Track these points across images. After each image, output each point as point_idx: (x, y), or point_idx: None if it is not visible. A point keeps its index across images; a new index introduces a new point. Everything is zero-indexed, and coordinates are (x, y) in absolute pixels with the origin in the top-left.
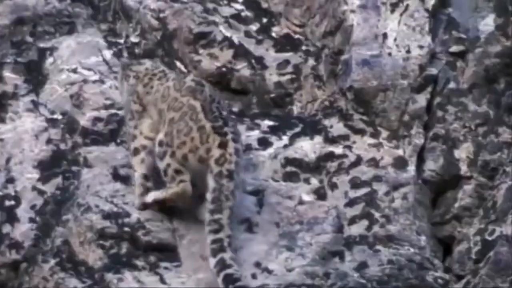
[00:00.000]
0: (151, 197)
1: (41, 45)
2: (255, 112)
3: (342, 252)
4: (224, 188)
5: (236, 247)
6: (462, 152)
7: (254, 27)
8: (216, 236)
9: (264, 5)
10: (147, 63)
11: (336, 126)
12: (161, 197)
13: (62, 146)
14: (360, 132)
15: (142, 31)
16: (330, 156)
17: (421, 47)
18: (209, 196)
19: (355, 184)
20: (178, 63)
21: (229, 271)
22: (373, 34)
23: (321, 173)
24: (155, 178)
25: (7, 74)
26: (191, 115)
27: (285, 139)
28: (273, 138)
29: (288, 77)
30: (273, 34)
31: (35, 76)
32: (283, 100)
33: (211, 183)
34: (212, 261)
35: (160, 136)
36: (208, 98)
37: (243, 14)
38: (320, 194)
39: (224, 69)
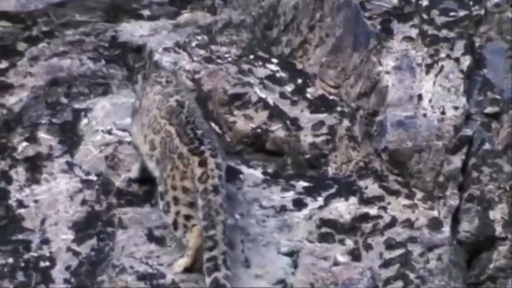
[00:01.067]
0: (180, 267)
1: (76, 106)
2: (290, 173)
3: None
4: (212, 203)
5: None
6: (497, 213)
7: (289, 88)
8: (210, 254)
9: (299, 66)
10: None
11: (371, 187)
12: (189, 261)
13: (97, 207)
14: (395, 193)
15: None
16: (365, 217)
17: (456, 108)
18: (200, 214)
19: (390, 245)
20: (212, 124)
21: None
22: (408, 95)
23: (356, 234)
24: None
25: (42, 135)
26: (169, 145)
27: (320, 200)
28: (308, 199)
29: (323, 138)
30: (308, 95)
31: (70, 137)
32: (318, 161)
33: (199, 202)
34: (207, 281)
35: (159, 188)
36: (184, 121)
37: (278, 75)
38: (355, 255)
39: (259, 130)
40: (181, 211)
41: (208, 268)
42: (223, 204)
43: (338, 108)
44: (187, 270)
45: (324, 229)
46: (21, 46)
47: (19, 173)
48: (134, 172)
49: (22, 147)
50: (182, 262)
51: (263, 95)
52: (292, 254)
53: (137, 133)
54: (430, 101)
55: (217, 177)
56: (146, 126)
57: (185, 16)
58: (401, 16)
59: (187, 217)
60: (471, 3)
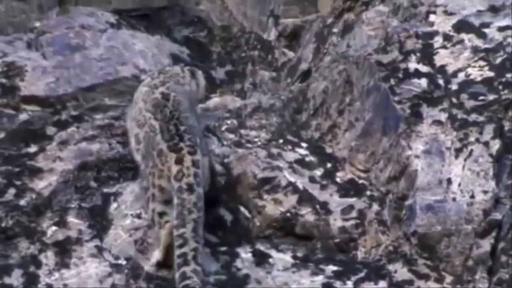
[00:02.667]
0: (154, 259)
1: (105, 190)
2: (319, 257)
3: None
4: (186, 202)
5: None
6: None
7: (318, 172)
8: (180, 250)
9: (328, 150)
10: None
11: (400, 271)
12: (160, 255)
13: None
14: (424, 277)
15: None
16: None
17: (485, 192)
18: (174, 212)
19: None
20: (242, 208)
21: (187, 282)
22: (437, 180)
23: None
24: None
25: (71, 219)
26: (152, 141)
27: (350, 284)
28: (337, 283)
29: (352, 222)
30: (338, 179)
31: (99, 221)
32: (347, 245)
33: (174, 200)
34: (176, 275)
35: (144, 183)
36: (168, 116)
37: (307, 159)
38: None
39: (288, 214)
40: (156, 208)
41: (178, 263)
42: (198, 202)
43: (368, 192)
44: (161, 264)
45: None
46: (50, 130)
47: (49, 257)
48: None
49: (52, 231)
50: (155, 255)
51: (292, 179)
52: None
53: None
54: (459, 185)
55: (192, 176)
56: (133, 119)
57: (215, 100)
58: (430, 100)
59: (161, 214)
60: (500, 87)
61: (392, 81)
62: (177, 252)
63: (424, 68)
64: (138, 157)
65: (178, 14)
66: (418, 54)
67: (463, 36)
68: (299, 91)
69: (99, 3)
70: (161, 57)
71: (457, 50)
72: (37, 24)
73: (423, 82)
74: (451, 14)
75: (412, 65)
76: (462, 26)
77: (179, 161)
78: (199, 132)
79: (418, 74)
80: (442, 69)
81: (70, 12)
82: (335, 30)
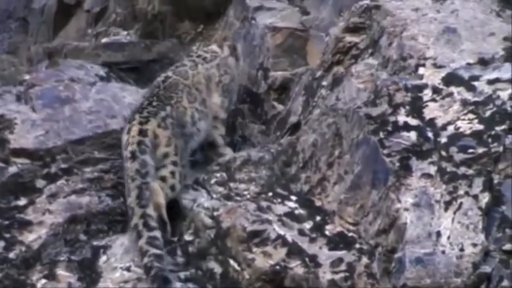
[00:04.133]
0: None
1: (95, 243)
2: None
3: None
4: (129, 171)
5: None
6: None
7: (307, 225)
8: (132, 222)
9: (318, 203)
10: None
11: None
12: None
13: None
14: None
15: (195, 230)
16: None
17: (474, 245)
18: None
19: None
20: (231, 261)
21: (145, 260)
22: (426, 232)
23: None
24: None
25: (60, 272)
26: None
27: None
28: None
29: (341, 275)
30: (327, 232)
31: (89, 274)
32: None
33: None
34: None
35: None
36: (151, 94)
37: (296, 212)
38: None
39: (278, 267)
40: None
41: (132, 235)
42: (141, 169)
43: (357, 245)
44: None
45: None
46: (39, 183)
47: None
48: None
49: (41, 284)
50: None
51: (281, 232)
52: None
53: None
54: (448, 238)
55: (135, 144)
56: None
57: (204, 153)
58: (419, 153)
59: None
60: (489, 140)
61: (382, 134)
62: (129, 223)
63: (413, 121)
64: None
65: (167, 67)
66: (407, 107)
67: (453, 89)
68: (289, 144)
69: (88, 56)
70: None
71: (447, 103)
72: (27, 77)
73: (413, 135)
74: (440, 67)
75: (402, 118)
76: (452, 79)
77: (128, 131)
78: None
79: (407, 127)
80: (431, 122)
81: (59, 65)
82: (324, 83)
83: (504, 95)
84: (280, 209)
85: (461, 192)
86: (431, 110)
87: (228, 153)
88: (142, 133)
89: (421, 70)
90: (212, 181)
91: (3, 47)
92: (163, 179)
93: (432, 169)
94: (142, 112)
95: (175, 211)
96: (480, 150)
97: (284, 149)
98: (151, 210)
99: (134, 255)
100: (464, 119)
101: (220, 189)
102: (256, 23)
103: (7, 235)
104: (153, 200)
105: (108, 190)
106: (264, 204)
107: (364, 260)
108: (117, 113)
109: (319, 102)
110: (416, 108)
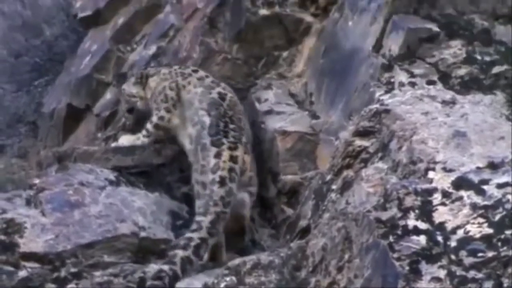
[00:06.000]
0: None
1: None
2: None
3: None
4: (213, 194)
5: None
6: None
7: None
8: (190, 234)
9: None
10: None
11: None
12: None
13: None
14: None
15: None
16: None
17: None
18: (197, 202)
19: None
20: None
21: (164, 267)
22: None
23: None
24: None
25: None
26: (199, 136)
27: None
28: None
29: None
30: None
31: None
32: None
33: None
34: (168, 252)
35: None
36: (221, 113)
37: None
38: None
39: None
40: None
41: (178, 243)
42: (226, 197)
43: None
44: None
45: None
46: (49, 287)
47: None
48: None
49: None
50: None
51: None
52: None
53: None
54: None
55: (226, 170)
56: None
57: None
58: (429, 257)
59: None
60: (499, 244)
61: (391, 238)
62: (187, 234)
63: (423, 225)
64: (191, 158)
65: (177, 171)
66: (417, 211)
67: (462, 193)
68: (298, 248)
69: (98, 160)
70: (160, 214)
71: (456, 207)
72: (36, 181)
73: (422, 239)
74: (450, 171)
75: (411, 222)
76: (461, 183)
77: (217, 155)
78: (249, 135)
79: (417, 231)
80: (441, 226)
81: (69, 169)
82: (334, 187)
83: None
84: None
85: None
86: (441, 214)
87: None
88: (232, 159)
89: (430, 174)
90: (222, 285)
91: (13, 151)
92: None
93: (442, 273)
94: (227, 136)
95: None
96: (490, 254)
97: (294, 253)
98: (213, 241)
99: None
100: (473, 223)
101: None
102: (265, 127)
103: None
104: (238, 211)
105: None
106: None
107: None
108: (126, 217)
109: (329, 206)
110: (426, 212)
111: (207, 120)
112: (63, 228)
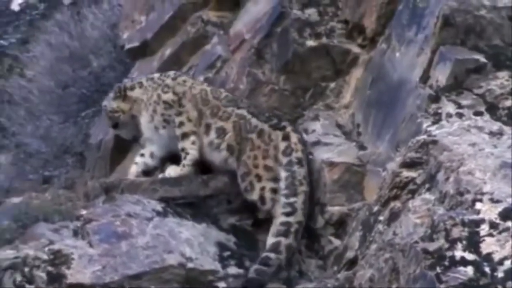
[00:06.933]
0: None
1: None
2: None
3: None
4: (296, 174)
5: None
6: None
7: None
8: (286, 218)
9: None
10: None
11: None
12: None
13: None
14: None
15: None
16: None
17: None
18: (282, 184)
19: None
20: None
21: (271, 255)
22: None
23: None
24: None
25: None
26: (244, 126)
27: None
28: None
29: None
30: None
31: None
32: None
33: (282, 174)
34: (270, 241)
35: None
36: (252, 105)
37: None
38: None
39: None
40: (266, 186)
41: (278, 230)
42: (307, 177)
43: None
44: None
45: None
46: None
47: None
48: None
49: None
50: None
51: None
52: None
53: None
54: None
55: (300, 151)
56: (206, 114)
57: None
58: None
59: (274, 191)
60: None
61: (438, 269)
62: (282, 218)
63: (470, 256)
64: (220, 154)
65: (224, 202)
66: (464, 242)
67: (509, 224)
68: (346, 279)
69: (145, 191)
70: (207, 245)
71: (503, 237)
72: (84, 212)
73: (469, 270)
74: (497, 202)
75: (458, 253)
76: (508, 214)
77: (285, 138)
78: None
79: (464, 262)
80: (488, 257)
81: (116, 200)
82: (381, 218)
83: None
84: None
85: None
86: (488, 245)
87: None
88: (301, 142)
89: (478, 205)
90: None
91: (60, 182)
92: None
93: None
94: (281, 120)
95: None
96: None
97: (341, 284)
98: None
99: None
100: None
101: None
102: (313, 158)
103: None
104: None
105: None
106: None
107: None
108: (174, 248)
109: (376, 237)
110: (473, 243)
111: (242, 111)
112: (110, 259)
